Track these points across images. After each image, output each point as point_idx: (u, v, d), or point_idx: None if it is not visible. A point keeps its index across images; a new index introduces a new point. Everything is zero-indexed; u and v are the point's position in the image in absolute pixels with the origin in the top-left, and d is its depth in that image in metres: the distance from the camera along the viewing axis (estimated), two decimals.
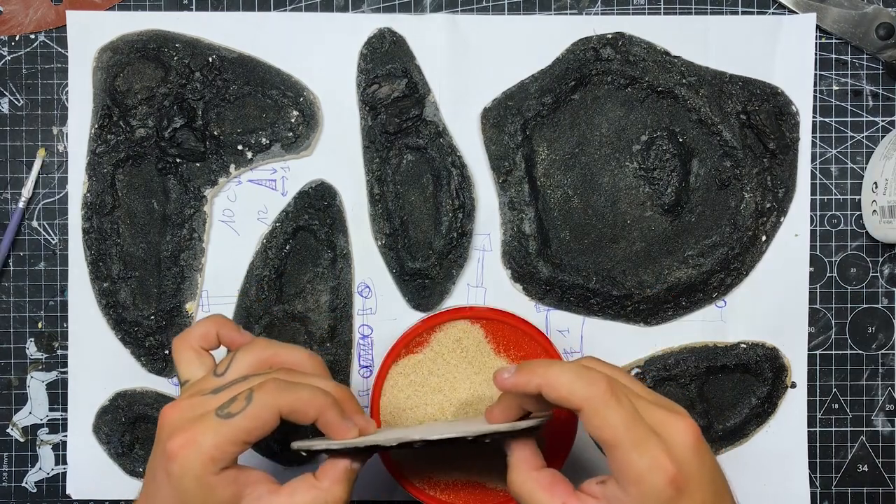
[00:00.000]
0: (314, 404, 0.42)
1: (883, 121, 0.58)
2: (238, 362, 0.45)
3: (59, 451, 0.59)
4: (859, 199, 0.58)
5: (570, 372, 0.40)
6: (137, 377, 0.58)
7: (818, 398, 0.58)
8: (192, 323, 0.57)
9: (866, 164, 0.58)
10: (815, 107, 0.58)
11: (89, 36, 0.57)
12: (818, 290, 0.58)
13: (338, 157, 0.57)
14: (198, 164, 0.57)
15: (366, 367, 0.58)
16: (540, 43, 0.57)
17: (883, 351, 0.58)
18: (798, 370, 0.58)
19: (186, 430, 0.41)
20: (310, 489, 0.42)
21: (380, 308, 0.58)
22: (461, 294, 0.58)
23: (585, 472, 0.57)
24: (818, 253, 0.58)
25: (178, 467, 0.40)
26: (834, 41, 0.58)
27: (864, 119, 0.58)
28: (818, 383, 0.58)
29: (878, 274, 0.58)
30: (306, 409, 0.42)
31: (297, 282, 0.57)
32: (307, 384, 0.43)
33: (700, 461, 0.40)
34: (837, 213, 0.58)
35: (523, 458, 0.44)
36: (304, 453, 0.44)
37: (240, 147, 0.57)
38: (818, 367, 0.58)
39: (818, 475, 0.58)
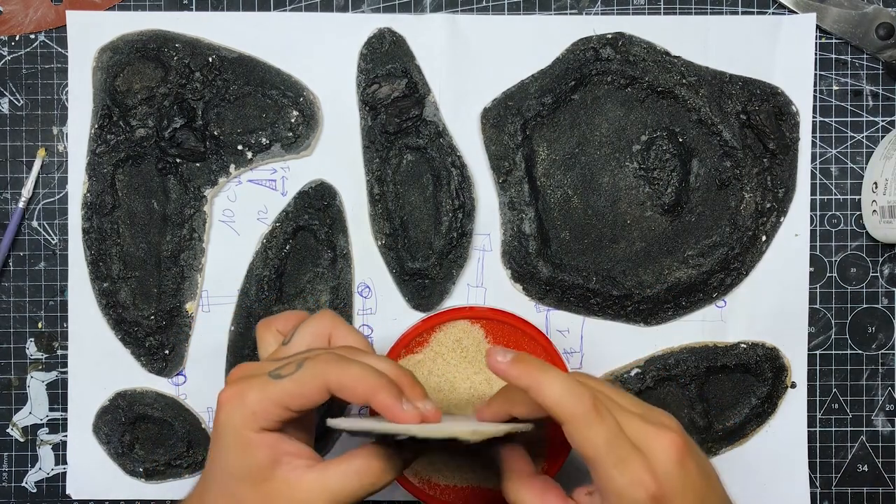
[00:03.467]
0: (365, 383, 0.41)
1: (883, 121, 0.58)
2: (301, 331, 0.46)
3: (59, 451, 0.59)
4: (859, 199, 0.58)
5: (559, 383, 0.40)
6: (137, 377, 0.58)
7: (818, 398, 0.58)
8: (192, 323, 0.57)
9: (866, 164, 0.58)
10: (815, 107, 0.58)
11: (89, 36, 0.57)
12: (818, 290, 0.58)
13: (338, 157, 0.57)
14: (198, 164, 0.57)
15: None
16: (540, 43, 0.57)
17: (883, 351, 0.58)
18: (798, 370, 0.58)
19: (238, 385, 0.41)
20: (345, 473, 0.41)
21: (380, 308, 0.58)
22: (461, 294, 0.58)
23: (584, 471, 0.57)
24: (818, 253, 0.58)
25: (223, 415, 0.41)
26: (834, 41, 0.58)
27: (864, 119, 0.58)
28: (818, 383, 0.58)
29: (878, 274, 0.58)
30: (355, 386, 0.41)
31: (297, 282, 0.57)
32: (361, 362, 0.42)
33: (683, 474, 0.40)
34: (837, 213, 0.58)
35: (515, 465, 0.44)
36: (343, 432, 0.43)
37: (240, 147, 0.57)
38: (818, 367, 0.58)
39: (818, 475, 0.58)
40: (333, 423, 0.42)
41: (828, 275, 0.58)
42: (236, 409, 0.41)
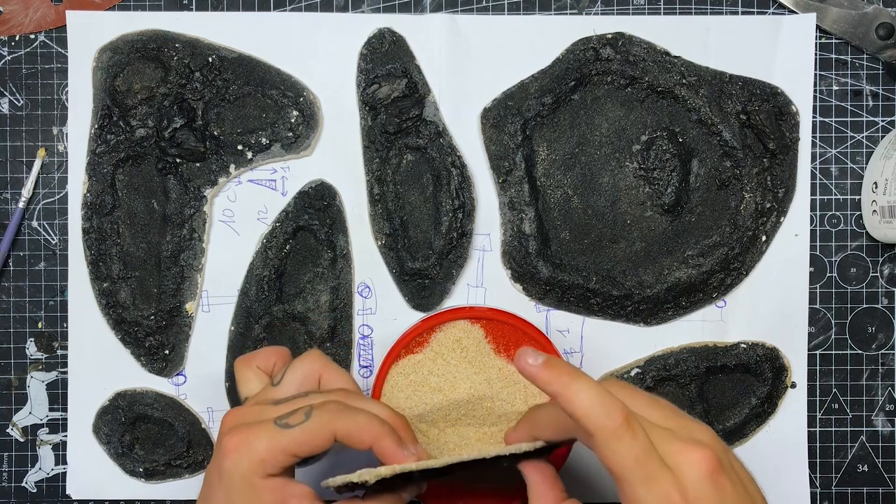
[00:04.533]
0: (371, 431, 0.43)
1: (883, 121, 0.58)
2: (292, 371, 0.47)
3: (59, 451, 0.59)
4: (859, 199, 0.58)
5: (591, 393, 0.39)
6: (137, 377, 0.58)
7: (818, 398, 0.58)
8: (192, 323, 0.57)
9: (866, 164, 0.58)
10: (815, 107, 0.58)
11: (89, 36, 0.57)
12: (818, 290, 0.58)
13: (338, 157, 0.57)
14: (198, 164, 0.57)
15: (366, 367, 0.58)
16: (540, 43, 0.57)
17: (883, 351, 0.58)
18: (798, 370, 0.58)
19: (243, 431, 0.42)
20: None
21: (380, 308, 0.58)
22: (461, 294, 0.58)
23: (583, 468, 0.58)
24: (818, 253, 0.58)
25: (229, 464, 0.42)
26: (834, 41, 0.58)
27: (864, 119, 0.58)
28: (818, 383, 0.58)
29: (878, 274, 0.58)
30: (362, 435, 0.43)
31: (297, 282, 0.57)
32: (365, 410, 0.44)
33: (716, 491, 0.38)
34: (837, 213, 0.58)
35: (545, 488, 0.43)
36: (334, 489, 0.44)
37: (240, 147, 0.57)
38: (818, 367, 0.58)
39: (818, 475, 0.58)
40: (331, 482, 0.44)
41: (828, 275, 0.58)
42: (244, 456, 0.42)
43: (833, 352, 0.58)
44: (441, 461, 0.43)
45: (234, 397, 0.58)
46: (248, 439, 0.42)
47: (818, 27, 0.57)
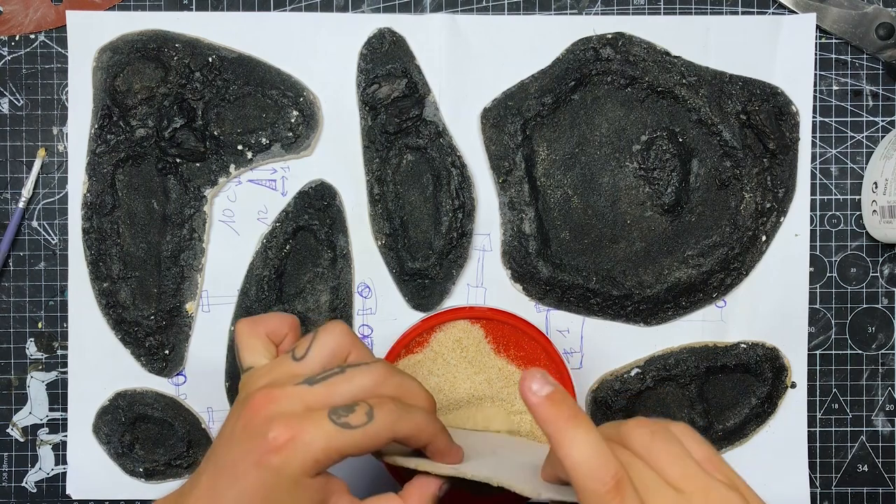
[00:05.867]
0: (429, 431, 0.41)
1: (883, 121, 0.58)
2: (319, 347, 0.42)
3: (59, 451, 0.59)
4: (859, 199, 0.58)
5: (585, 447, 0.35)
6: (137, 377, 0.58)
7: (818, 398, 0.58)
8: (192, 323, 0.57)
9: (866, 164, 0.58)
10: (815, 107, 0.58)
11: (89, 36, 0.57)
12: (818, 290, 0.58)
13: (338, 157, 0.57)
14: (198, 164, 0.57)
15: None
16: (540, 43, 0.57)
17: (883, 351, 0.58)
18: (798, 370, 0.58)
19: (293, 425, 0.38)
20: None
21: (380, 308, 0.58)
22: (461, 294, 0.58)
23: None
24: (818, 253, 0.58)
25: (280, 460, 0.37)
26: (834, 41, 0.58)
27: (864, 119, 0.58)
28: (818, 383, 0.58)
29: (878, 274, 0.58)
30: (420, 436, 0.40)
31: (297, 282, 0.57)
32: (422, 409, 0.41)
33: None
34: (837, 213, 0.58)
35: None
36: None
37: (240, 147, 0.57)
38: (818, 367, 0.58)
39: (818, 475, 0.58)
40: (401, 461, 0.43)
41: (828, 275, 0.58)
42: (298, 454, 0.37)
43: (833, 352, 0.58)
44: (493, 478, 0.41)
45: (235, 397, 0.58)
46: (303, 437, 0.37)
47: (818, 27, 0.57)
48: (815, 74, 0.57)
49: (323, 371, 0.41)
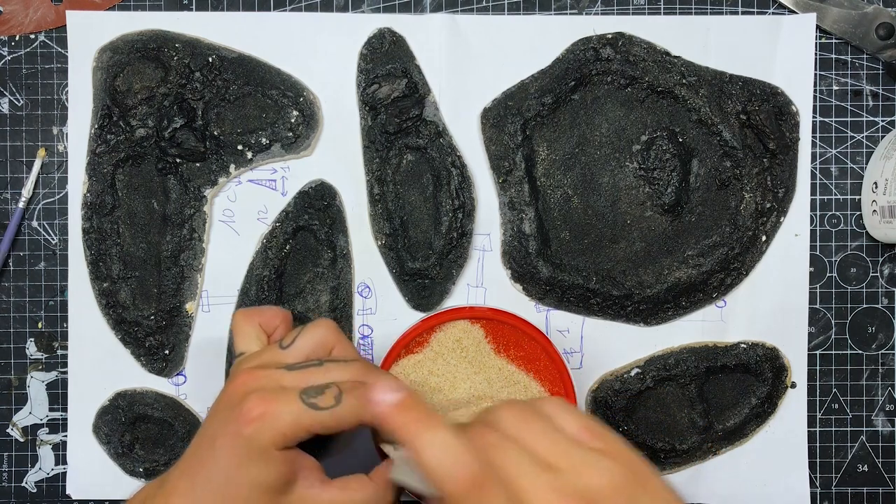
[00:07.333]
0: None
1: (883, 121, 0.58)
2: (304, 338, 0.45)
3: (59, 451, 0.59)
4: (859, 199, 0.58)
5: (439, 448, 0.35)
6: (137, 377, 0.58)
7: (818, 398, 0.58)
8: (192, 323, 0.57)
9: (866, 164, 0.58)
10: (815, 107, 0.58)
11: (89, 36, 0.57)
12: (818, 290, 0.58)
13: (338, 157, 0.57)
14: (198, 164, 0.57)
15: None
16: (540, 43, 0.57)
17: (883, 351, 0.58)
18: (798, 370, 0.58)
19: (267, 400, 0.40)
20: (364, 487, 0.42)
21: (380, 308, 0.58)
22: (461, 294, 0.58)
23: None
24: (818, 253, 0.58)
25: (250, 431, 0.40)
26: (834, 41, 0.58)
27: (864, 119, 0.58)
28: (818, 383, 0.58)
29: (878, 274, 0.58)
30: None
31: (297, 282, 0.57)
32: None
33: None
34: (837, 213, 0.58)
35: None
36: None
37: (240, 147, 0.57)
38: (818, 367, 0.58)
39: (818, 475, 0.58)
40: (393, 454, 0.43)
41: (828, 275, 0.58)
42: (267, 427, 0.40)
43: (833, 352, 0.58)
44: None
45: None
46: (274, 411, 0.40)
47: (818, 27, 0.57)
48: (815, 74, 0.57)
49: (305, 361, 0.44)
